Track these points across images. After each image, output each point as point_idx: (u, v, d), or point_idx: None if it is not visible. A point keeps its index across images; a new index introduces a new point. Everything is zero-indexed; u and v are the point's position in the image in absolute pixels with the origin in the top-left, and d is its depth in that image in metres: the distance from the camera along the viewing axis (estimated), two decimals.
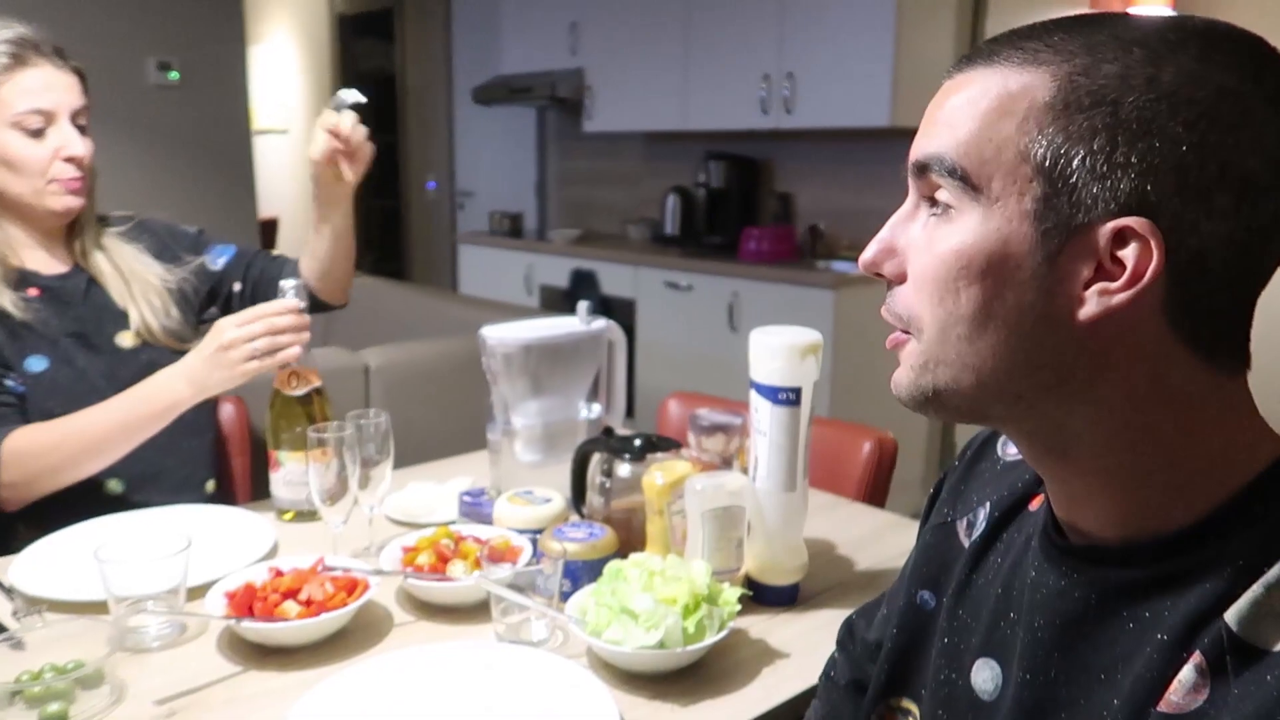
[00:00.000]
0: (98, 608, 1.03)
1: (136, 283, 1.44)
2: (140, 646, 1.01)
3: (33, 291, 1.37)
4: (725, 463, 1.19)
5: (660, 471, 1.12)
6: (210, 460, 1.53)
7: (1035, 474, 0.65)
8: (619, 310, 3.92)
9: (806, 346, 1.06)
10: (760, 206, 4.05)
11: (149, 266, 1.47)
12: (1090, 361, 0.52)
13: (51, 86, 1.31)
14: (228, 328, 1.26)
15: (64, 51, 1.37)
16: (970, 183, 0.53)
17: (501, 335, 1.32)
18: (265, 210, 6.30)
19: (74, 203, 1.37)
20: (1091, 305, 0.51)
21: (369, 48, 6.67)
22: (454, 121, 5.85)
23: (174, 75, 4.25)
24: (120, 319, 1.42)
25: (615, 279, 3.96)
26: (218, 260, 1.55)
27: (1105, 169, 0.49)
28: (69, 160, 1.34)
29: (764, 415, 1.07)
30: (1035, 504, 0.66)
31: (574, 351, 1.37)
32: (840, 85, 3.35)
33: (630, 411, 3.75)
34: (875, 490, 1.49)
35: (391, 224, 6.65)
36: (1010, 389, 0.54)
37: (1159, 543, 0.53)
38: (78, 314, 1.40)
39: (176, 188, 4.13)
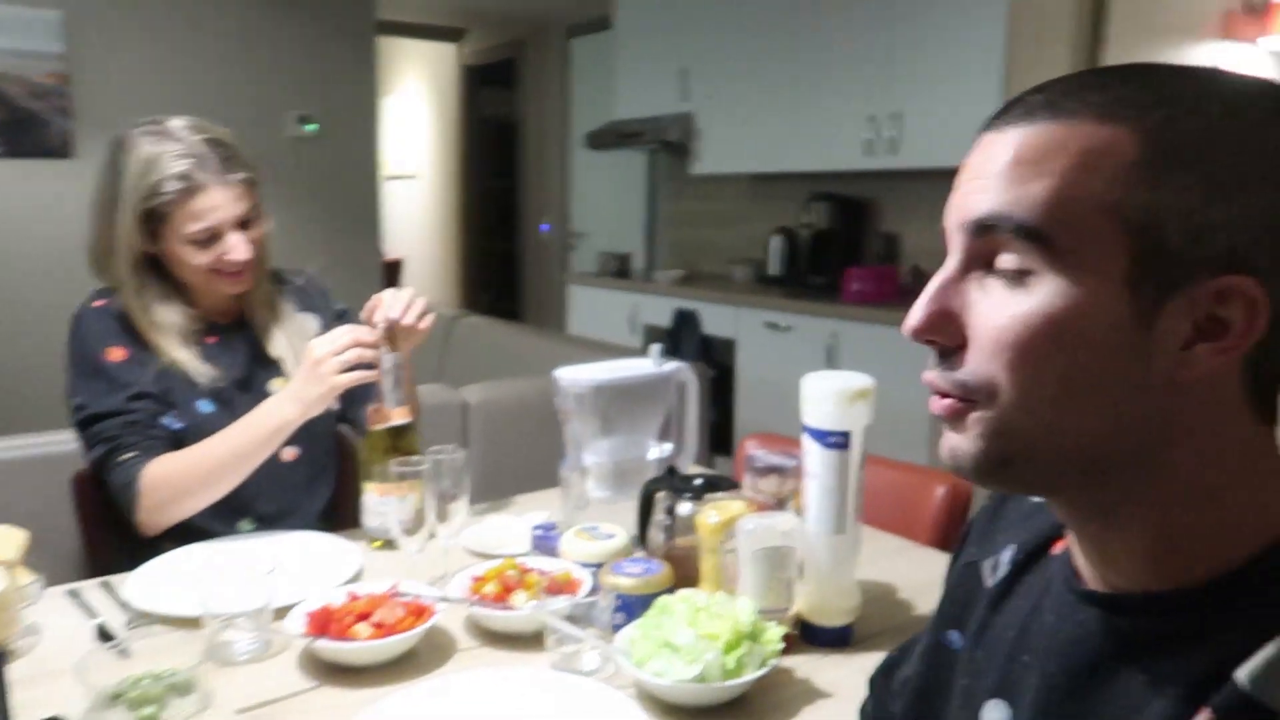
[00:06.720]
0: (198, 623, 1.13)
1: (291, 337, 1.58)
2: (229, 660, 1.10)
3: (211, 339, 1.53)
4: (779, 503, 1.21)
5: (715, 511, 1.15)
6: (329, 501, 1.64)
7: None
8: (719, 349, 3.95)
9: (856, 392, 1.08)
10: (865, 247, 4.03)
11: (304, 325, 1.61)
12: (1172, 425, 0.51)
13: (218, 207, 1.42)
14: (318, 345, 1.38)
15: (234, 161, 1.44)
16: (1051, 245, 0.50)
17: (574, 376, 1.38)
18: (392, 252, 6.64)
19: (238, 289, 1.51)
20: (1195, 366, 0.50)
21: (493, 96, 6.98)
22: (569, 166, 6.04)
23: (312, 128, 4.56)
24: (273, 366, 1.57)
25: (716, 319, 4.00)
26: None
27: (1201, 226, 0.49)
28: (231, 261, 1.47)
29: (814, 458, 1.09)
30: (1058, 548, 0.66)
31: (644, 393, 1.42)
32: (947, 125, 3.32)
33: (728, 451, 3.76)
34: (948, 535, 1.48)
35: (507, 265, 6.90)
36: (1090, 454, 0.53)
37: (1180, 596, 0.53)
38: (242, 361, 1.55)
39: (309, 232, 4.42)
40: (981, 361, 0.54)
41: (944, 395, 0.56)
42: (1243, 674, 0.48)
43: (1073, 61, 3.29)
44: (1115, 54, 3.31)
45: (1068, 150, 0.51)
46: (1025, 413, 0.53)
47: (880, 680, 0.86)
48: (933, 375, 0.57)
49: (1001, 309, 0.53)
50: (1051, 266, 0.51)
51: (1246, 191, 0.49)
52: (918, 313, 0.56)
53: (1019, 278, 0.52)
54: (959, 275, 0.56)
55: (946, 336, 0.55)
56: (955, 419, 0.56)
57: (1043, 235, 0.51)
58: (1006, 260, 0.53)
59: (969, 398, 0.55)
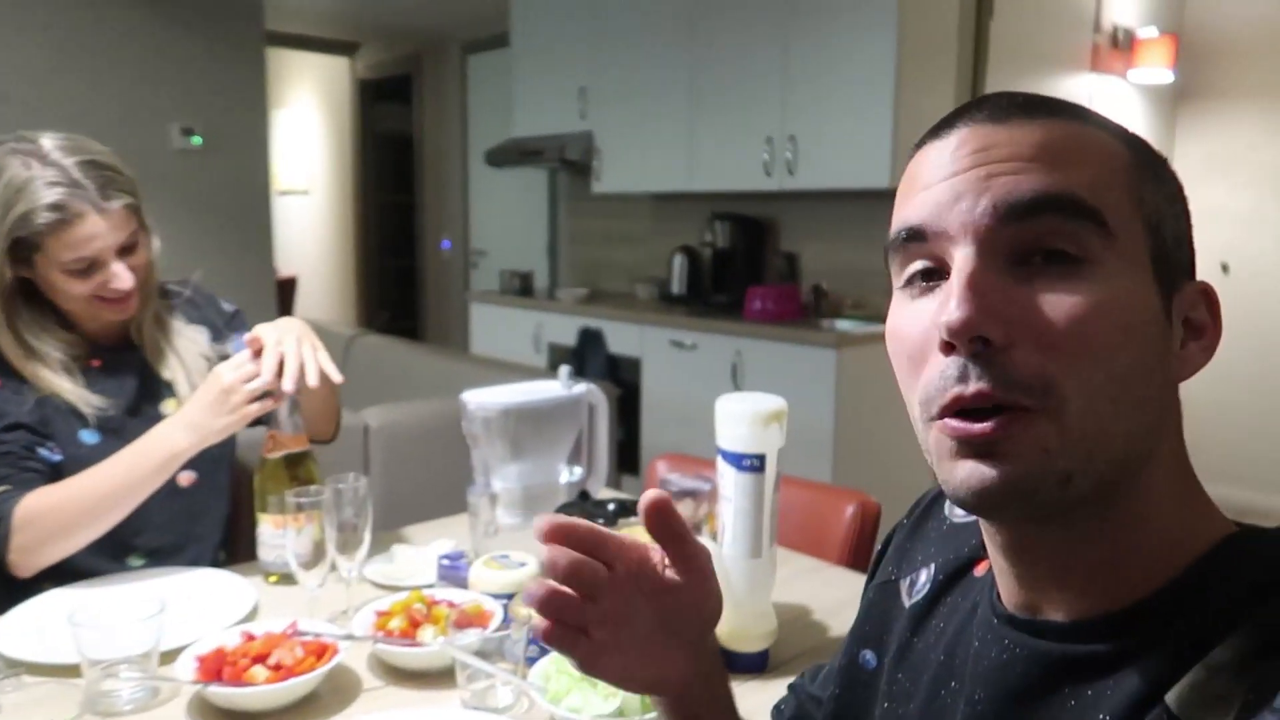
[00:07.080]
0: (76, 671, 1.05)
1: (184, 356, 1.50)
2: (112, 710, 1.02)
3: (95, 362, 1.43)
4: (695, 528, 1.20)
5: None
6: (225, 527, 1.55)
7: (982, 538, 0.62)
8: (625, 368, 3.95)
9: (770, 414, 1.07)
10: (766, 266, 4.10)
11: (194, 340, 1.53)
12: (1163, 428, 0.52)
13: (96, 236, 1.32)
14: (226, 372, 1.31)
15: (112, 184, 1.33)
16: (1106, 227, 0.49)
17: (481, 399, 1.35)
18: (285, 269, 6.43)
19: (122, 316, 1.42)
20: (1187, 365, 0.53)
21: (388, 111, 6.86)
22: (468, 183, 5.97)
23: (197, 140, 4.38)
24: (166, 388, 1.48)
25: (622, 337, 4.00)
26: (238, 348, 1.58)
27: (1179, 233, 0.53)
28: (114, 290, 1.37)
29: (729, 481, 1.09)
30: (981, 569, 0.65)
31: (554, 415, 1.40)
32: (842, 148, 3.40)
33: (635, 470, 3.76)
34: (858, 553, 1.49)
35: (406, 283, 6.76)
36: (1137, 453, 0.51)
37: (1105, 620, 0.52)
38: (131, 385, 1.45)
39: (197, 248, 4.23)
40: (1041, 354, 0.49)
41: (983, 411, 0.50)
42: (1171, 697, 0.48)
43: (957, 89, 3.42)
44: (995, 82, 3.46)
45: (1087, 144, 0.51)
46: (1087, 413, 0.49)
47: (800, 682, 0.86)
48: (982, 385, 0.49)
49: (1065, 296, 0.49)
50: (1106, 251, 0.50)
51: (1184, 212, 0.54)
52: (965, 305, 0.49)
53: (1075, 264, 0.49)
54: (984, 267, 0.50)
55: (997, 332, 0.49)
56: (1008, 435, 0.49)
57: (1099, 215, 0.49)
58: (1060, 244, 0.50)
59: (1022, 404, 0.49)
